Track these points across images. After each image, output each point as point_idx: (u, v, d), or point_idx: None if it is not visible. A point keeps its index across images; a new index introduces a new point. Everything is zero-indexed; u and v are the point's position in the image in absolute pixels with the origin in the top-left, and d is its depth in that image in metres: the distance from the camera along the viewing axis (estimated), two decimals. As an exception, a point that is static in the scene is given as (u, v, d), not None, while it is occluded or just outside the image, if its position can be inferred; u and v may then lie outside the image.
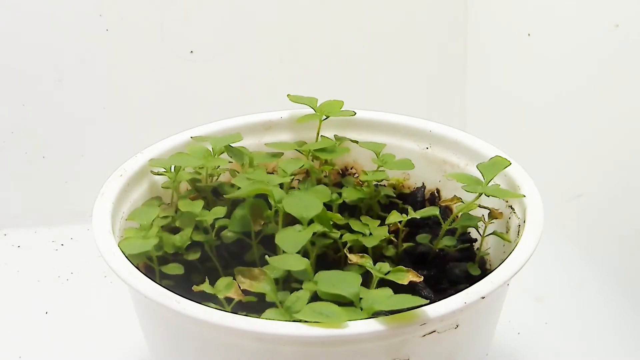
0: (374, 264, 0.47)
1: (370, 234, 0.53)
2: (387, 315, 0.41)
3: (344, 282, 0.44)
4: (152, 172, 0.57)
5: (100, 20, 0.80)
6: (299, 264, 0.45)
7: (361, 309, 0.43)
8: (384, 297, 0.43)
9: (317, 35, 0.86)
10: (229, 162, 0.58)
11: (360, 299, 0.43)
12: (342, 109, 0.61)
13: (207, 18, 0.83)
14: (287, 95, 0.61)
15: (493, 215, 0.54)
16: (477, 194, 0.52)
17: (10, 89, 0.80)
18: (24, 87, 0.80)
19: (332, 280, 0.44)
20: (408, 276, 0.45)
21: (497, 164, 0.53)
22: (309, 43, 0.86)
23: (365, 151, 0.61)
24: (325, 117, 0.61)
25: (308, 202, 0.49)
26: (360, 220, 0.54)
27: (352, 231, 0.53)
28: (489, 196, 0.52)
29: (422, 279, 0.45)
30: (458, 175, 0.53)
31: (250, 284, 0.45)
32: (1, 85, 0.79)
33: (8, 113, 0.80)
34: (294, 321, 0.42)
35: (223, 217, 0.52)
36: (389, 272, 0.46)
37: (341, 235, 0.52)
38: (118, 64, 0.82)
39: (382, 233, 0.52)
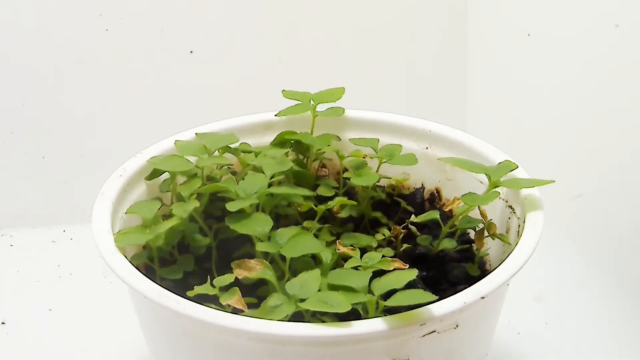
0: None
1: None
2: (386, 315, 0.41)
3: (354, 276, 0.44)
4: (146, 179, 0.57)
5: (100, 20, 0.80)
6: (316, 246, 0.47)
7: (372, 293, 0.43)
8: (395, 287, 0.43)
9: (316, 35, 0.86)
10: (230, 165, 0.58)
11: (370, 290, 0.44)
12: (337, 108, 0.62)
13: (207, 18, 0.82)
14: (282, 91, 0.61)
15: (490, 227, 0.54)
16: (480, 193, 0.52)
17: (10, 89, 0.80)
18: (24, 87, 0.80)
19: (342, 275, 0.45)
20: (393, 264, 0.46)
21: (505, 167, 0.53)
22: (308, 43, 0.86)
23: (366, 150, 0.61)
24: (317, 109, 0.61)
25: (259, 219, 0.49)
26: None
27: None
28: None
29: (407, 266, 0.46)
30: (455, 160, 0.54)
31: (248, 273, 0.45)
32: (1, 85, 0.79)
33: (8, 113, 0.80)
34: (294, 321, 0.42)
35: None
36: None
37: None
38: (118, 64, 0.81)
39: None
